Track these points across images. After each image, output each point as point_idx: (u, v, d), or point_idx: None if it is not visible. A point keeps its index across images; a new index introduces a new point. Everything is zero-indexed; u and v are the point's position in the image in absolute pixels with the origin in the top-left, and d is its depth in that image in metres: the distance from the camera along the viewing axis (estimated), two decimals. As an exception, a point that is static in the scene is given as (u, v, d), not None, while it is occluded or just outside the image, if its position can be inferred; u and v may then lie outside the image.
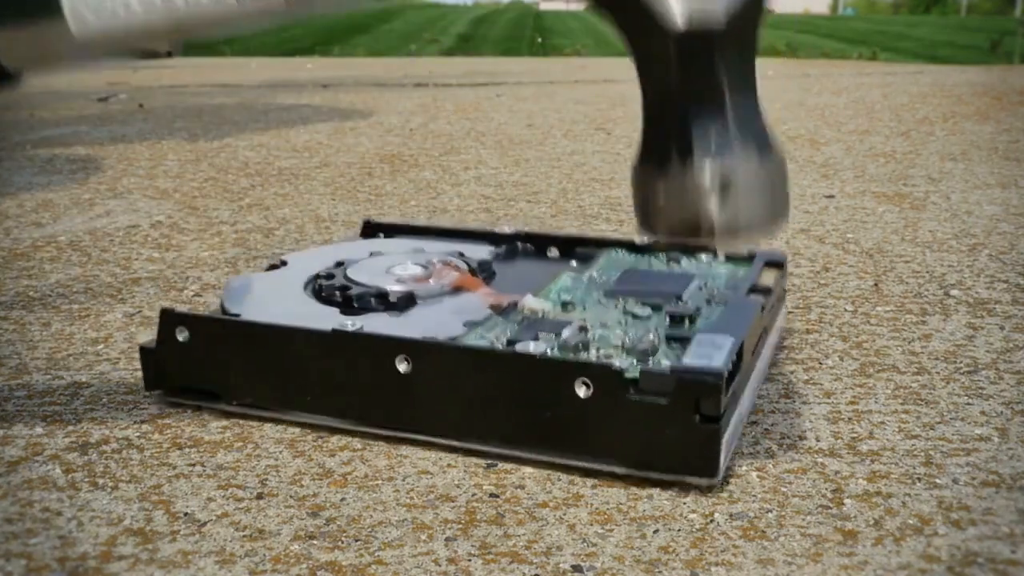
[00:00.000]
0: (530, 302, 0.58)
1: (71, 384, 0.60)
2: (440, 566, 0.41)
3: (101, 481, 0.48)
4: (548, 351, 0.50)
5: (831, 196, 1.15)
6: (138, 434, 0.53)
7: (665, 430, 0.45)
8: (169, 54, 4.06)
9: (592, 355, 0.51)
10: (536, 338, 0.52)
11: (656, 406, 0.45)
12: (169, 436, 0.53)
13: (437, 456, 0.51)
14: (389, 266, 0.64)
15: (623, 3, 0.42)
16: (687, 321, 0.55)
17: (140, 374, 0.58)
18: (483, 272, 0.64)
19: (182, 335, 0.54)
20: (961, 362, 0.63)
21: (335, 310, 0.58)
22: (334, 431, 0.53)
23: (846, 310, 0.74)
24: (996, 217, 1.03)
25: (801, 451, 0.51)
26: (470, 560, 0.41)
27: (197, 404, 0.56)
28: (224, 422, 0.55)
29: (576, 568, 0.41)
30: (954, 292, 0.78)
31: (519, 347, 0.50)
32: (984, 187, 1.19)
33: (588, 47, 6.98)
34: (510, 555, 0.42)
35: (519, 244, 0.72)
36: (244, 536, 0.43)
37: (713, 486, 0.46)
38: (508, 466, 0.50)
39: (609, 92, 2.38)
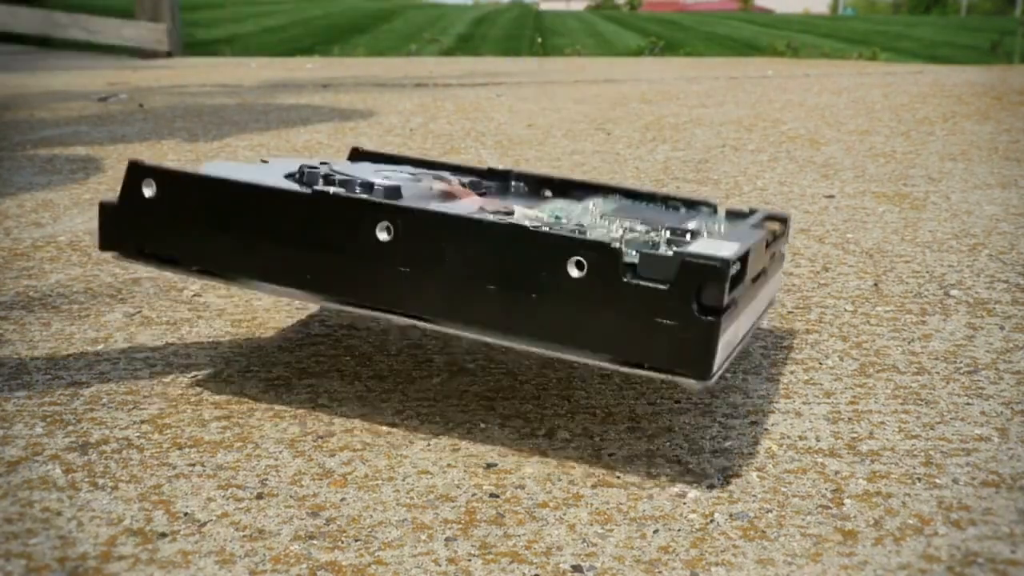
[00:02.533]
0: (523, 211, 0.53)
1: (71, 384, 0.60)
2: (440, 566, 0.41)
3: (101, 481, 0.48)
4: (542, 226, 0.45)
5: (831, 196, 1.15)
6: (138, 434, 0.53)
7: (661, 319, 0.42)
8: (169, 54, 4.07)
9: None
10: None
11: (654, 292, 0.42)
12: (169, 436, 0.53)
13: (437, 456, 0.51)
14: (377, 170, 0.60)
15: None
16: (689, 236, 0.52)
17: (140, 373, 0.58)
18: (475, 189, 0.61)
19: (149, 190, 0.50)
20: (961, 362, 0.63)
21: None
22: (308, 304, 0.49)
23: (846, 310, 0.74)
24: (996, 217, 1.03)
25: (801, 451, 0.51)
26: (470, 560, 0.41)
27: (153, 267, 0.52)
28: (224, 422, 0.55)
29: (576, 568, 0.41)
30: (954, 292, 0.78)
31: (514, 218, 0.45)
32: (984, 187, 1.19)
33: (588, 47, 6.98)
34: (510, 555, 0.42)
35: (512, 181, 0.69)
36: (244, 536, 0.43)
37: (704, 389, 0.42)
38: (508, 466, 0.50)
39: (609, 92, 2.38)
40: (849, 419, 0.55)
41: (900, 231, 0.98)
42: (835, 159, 1.40)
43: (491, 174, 0.68)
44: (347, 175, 0.56)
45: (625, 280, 0.42)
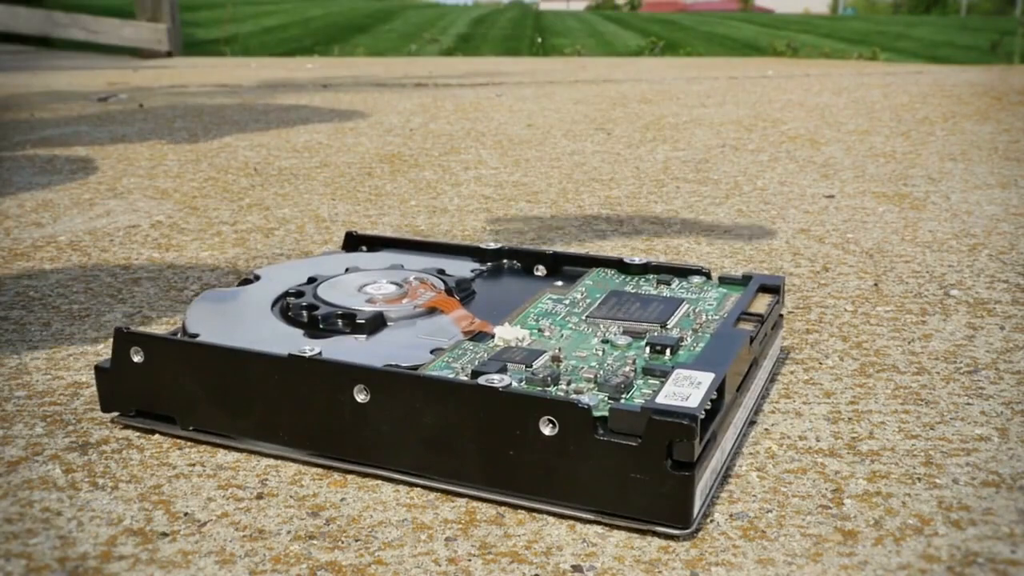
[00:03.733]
0: (503, 331, 0.55)
1: (71, 384, 0.60)
2: (440, 566, 0.41)
3: (101, 481, 0.48)
4: (513, 384, 0.46)
5: (831, 196, 1.15)
6: (138, 434, 0.53)
7: (635, 474, 0.42)
8: (169, 54, 4.07)
9: (562, 388, 0.48)
10: (504, 369, 0.49)
11: (626, 448, 0.42)
12: (169, 436, 0.53)
13: (437, 456, 0.51)
14: (362, 284, 0.61)
15: None
16: (668, 351, 0.52)
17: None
18: (462, 291, 0.62)
19: (137, 356, 0.52)
20: (961, 362, 0.63)
21: (300, 332, 0.56)
22: (292, 461, 0.51)
23: (846, 310, 0.74)
24: (996, 217, 1.03)
25: (801, 451, 0.51)
26: (470, 560, 0.41)
27: (152, 429, 0.53)
28: (224, 422, 0.55)
29: (576, 568, 0.41)
30: (954, 292, 0.78)
31: (482, 380, 0.46)
32: (984, 187, 1.19)
33: (588, 47, 6.98)
34: (510, 555, 0.42)
35: (504, 261, 0.70)
36: (244, 536, 0.43)
37: (686, 535, 0.43)
38: (508, 466, 0.49)
39: (609, 92, 2.38)
40: (849, 419, 0.55)
41: (900, 231, 0.98)
42: (835, 159, 1.40)
43: (483, 253, 0.71)
44: (329, 305, 0.58)
45: (596, 437, 0.43)
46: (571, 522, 0.44)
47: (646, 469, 0.42)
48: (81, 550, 0.42)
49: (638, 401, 0.46)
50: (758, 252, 0.91)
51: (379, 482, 0.48)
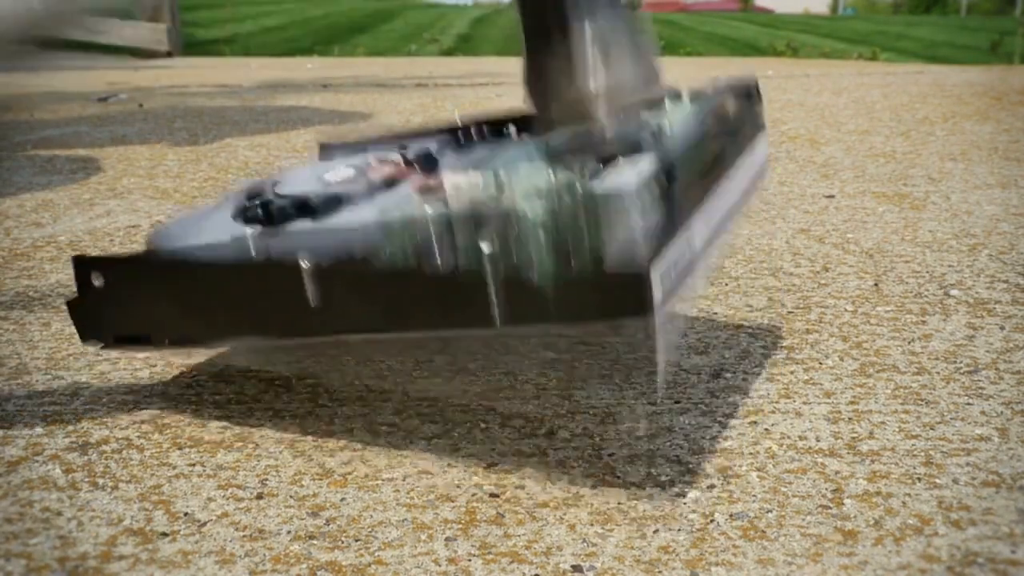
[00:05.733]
0: (452, 178, 0.51)
1: (71, 384, 0.60)
2: (440, 566, 0.41)
3: (101, 481, 0.48)
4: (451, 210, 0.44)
5: (831, 196, 1.15)
6: (138, 434, 0.53)
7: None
8: (169, 54, 4.07)
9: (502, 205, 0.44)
10: (445, 205, 0.46)
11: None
12: (169, 436, 0.53)
13: (437, 456, 0.51)
14: (321, 173, 0.60)
15: None
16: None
17: (140, 373, 0.58)
18: (427, 163, 0.59)
19: (98, 281, 0.52)
20: (961, 362, 0.63)
21: (257, 228, 0.54)
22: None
23: (846, 310, 0.74)
24: (996, 217, 1.03)
25: (801, 451, 0.51)
26: (470, 560, 0.41)
27: (136, 349, 0.53)
28: (224, 422, 0.55)
29: (576, 568, 0.41)
30: (954, 292, 0.78)
31: (425, 210, 0.44)
32: (984, 187, 1.19)
33: (588, 47, 6.95)
34: (510, 555, 0.42)
35: (473, 131, 0.66)
36: (244, 536, 0.43)
37: (649, 326, 0.41)
38: (508, 466, 0.50)
39: (609, 92, 2.38)
40: (849, 419, 0.55)
41: (900, 231, 0.98)
42: (835, 159, 1.40)
43: (448, 130, 0.67)
44: (284, 197, 0.56)
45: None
46: (571, 522, 0.44)
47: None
48: (81, 550, 0.42)
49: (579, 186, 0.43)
50: (758, 252, 0.91)
51: (379, 482, 0.48)
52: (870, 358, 0.64)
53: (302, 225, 0.52)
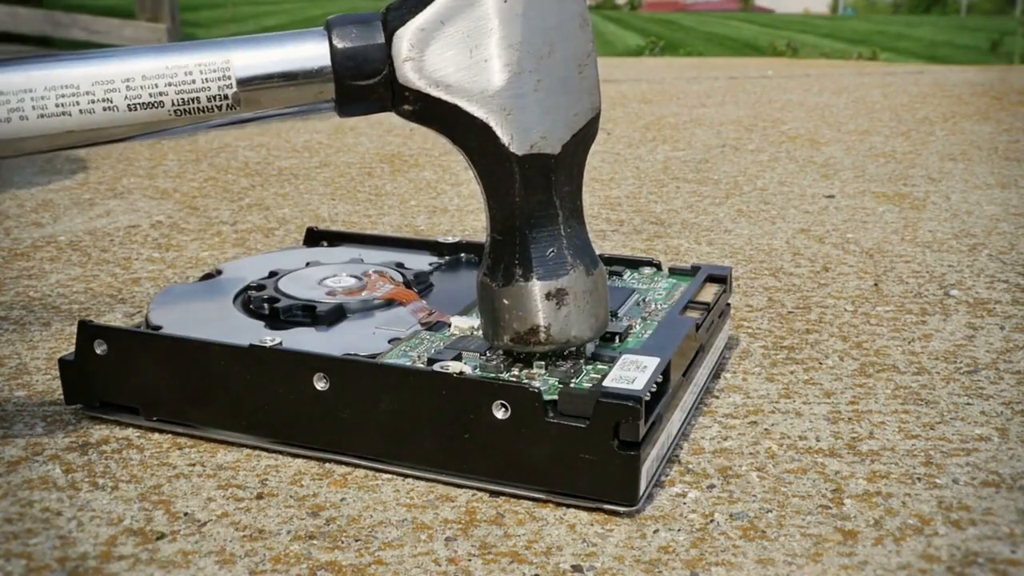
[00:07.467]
0: (459, 321, 0.56)
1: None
2: (440, 566, 0.41)
3: (101, 481, 0.48)
4: (467, 371, 0.48)
5: (831, 196, 1.15)
6: (138, 434, 0.53)
7: (584, 454, 0.44)
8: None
9: (514, 375, 0.49)
10: (459, 357, 0.50)
11: (575, 429, 0.44)
12: (169, 436, 0.53)
13: (437, 456, 0.51)
14: (322, 277, 0.62)
15: (471, 130, 0.46)
16: (617, 339, 0.53)
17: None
18: (420, 283, 0.62)
19: (100, 348, 0.53)
20: (961, 362, 0.63)
21: (261, 324, 0.56)
22: (256, 449, 0.51)
23: (846, 310, 0.74)
24: (996, 217, 1.03)
25: (801, 451, 0.51)
26: (470, 560, 0.41)
27: (116, 419, 0.54)
28: (224, 422, 0.55)
29: (576, 568, 0.41)
30: (954, 292, 0.78)
31: (437, 366, 0.48)
32: (984, 187, 1.19)
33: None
34: (510, 555, 0.42)
35: (463, 255, 0.71)
36: (244, 536, 0.43)
37: (634, 512, 0.45)
38: (508, 466, 0.49)
39: (609, 92, 2.38)
40: (849, 419, 0.55)
41: (900, 231, 0.98)
42: (835, 159, 1.40)
43: (441, 247, 0.72)
44: (290, 298, 0.58)
45: (547, 419, 0.44)
46: (571, 522, 0.44)
47: (594, 449, 0.44)
48: (81, 550, 0.42)
49: (586, 385, 0.47)
50: (758, 252, 0.91)
51: (379, 482, 0.48)
52: (870, 358, 0.64)
53: (313, 337, 0.55)
